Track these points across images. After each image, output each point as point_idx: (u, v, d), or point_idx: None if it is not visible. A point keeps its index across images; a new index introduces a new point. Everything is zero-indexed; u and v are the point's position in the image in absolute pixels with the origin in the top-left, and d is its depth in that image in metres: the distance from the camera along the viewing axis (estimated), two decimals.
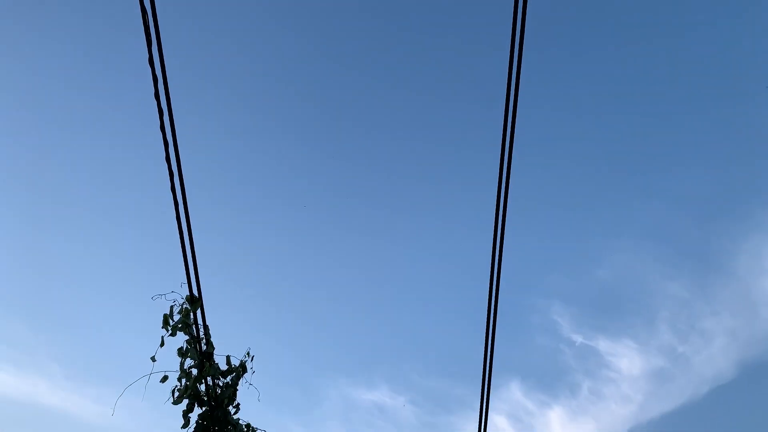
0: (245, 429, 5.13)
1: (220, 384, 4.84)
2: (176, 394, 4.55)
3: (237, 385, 4.83)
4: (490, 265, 4.42)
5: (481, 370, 4.93)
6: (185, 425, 4.64)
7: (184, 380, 4.52)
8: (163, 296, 4.52)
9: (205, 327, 4.61)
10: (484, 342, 4.81)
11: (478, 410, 5.11)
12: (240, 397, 5.02)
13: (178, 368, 4.48)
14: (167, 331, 4.44)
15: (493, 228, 4.26)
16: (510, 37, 3.53)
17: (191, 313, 4.47)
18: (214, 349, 4.69)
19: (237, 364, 4.92)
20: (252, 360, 4.96)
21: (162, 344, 4.42)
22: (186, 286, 4.38)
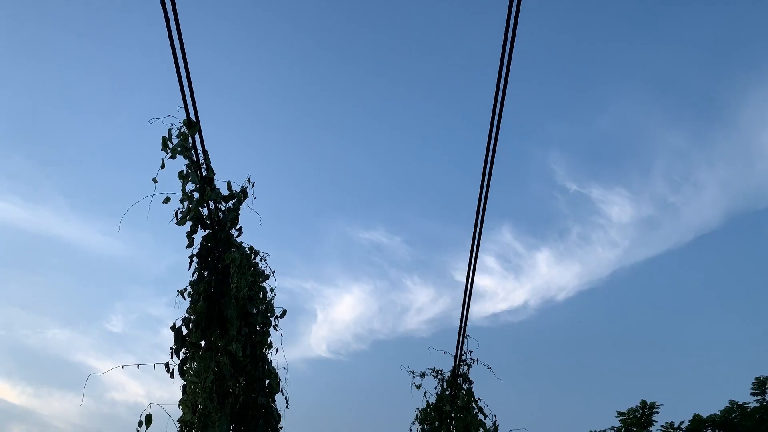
0: (248, 251, 5.36)
1: (222, 208, 4.96)
2: (179, 216, 4.68)
3: (238, 209, 4.95)
4: (491, 111, 4.33)
5: (475, 213, 5.05)
6: (189, 245, 4.83)
7: (186, 203, 4.62)
8: (160, 120, 4.46)
9: (204, 152, 4.61)
10: (479, 186, 4.87)
11: (469, 250, 5.32)
12: (242, 222, 5.18)
13: (180, 191, 4.55)
14: (167, 153, 4.44)
15: (496, 73, 4.10)
16: None
17: (189, 138, 4.43)
18: (214, 174, 4.74)
19: (238, 191, 5.01)
20: (252, 186, 5.04)
21: (162, 166, 4.45)
22: (183, 110, 4.30)
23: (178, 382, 4.83)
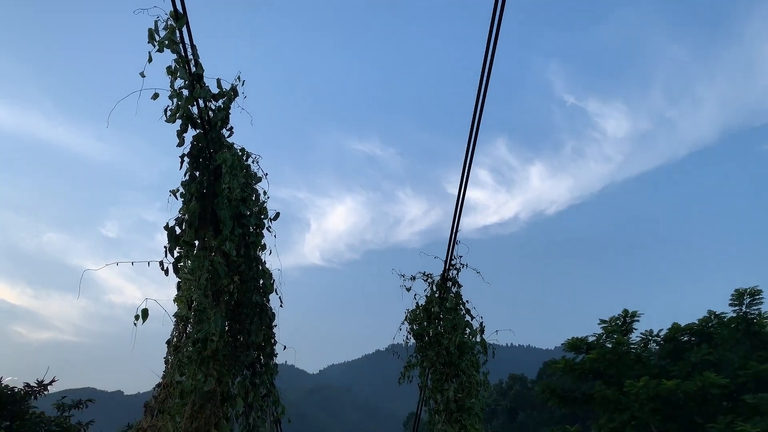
0: (239, 152, 5.31)
1: (212, 107, 4.85)
2: (168, 114, 4.58)
3: (229, 108, 4.84)
4: (489, 18, 4.15)
5: (470, 124, 4.95)
6: (180, 144, 4.77)
7: (175, 100, 4.51)
8: (146, 11, 4.26)
9: (193, 47, 4.44)
10: (475, 97, 4.74)
11: (463, 162, 5.26)
12: (233, 123, 5.09)
13: (168, 87, 4.43)
14: (153, 47, 4.27)
15: None
16: None
17: (177, 31, 4.25)
18: (203, 71, 4.59)
19: (228, 89, 4.88)
20: (243, 84, 4.90)
21: (150, 60, 4.30)
22: (169, 0, 4.10)
23: (174, 285, 4.91)
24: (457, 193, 5.59)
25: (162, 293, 5.12)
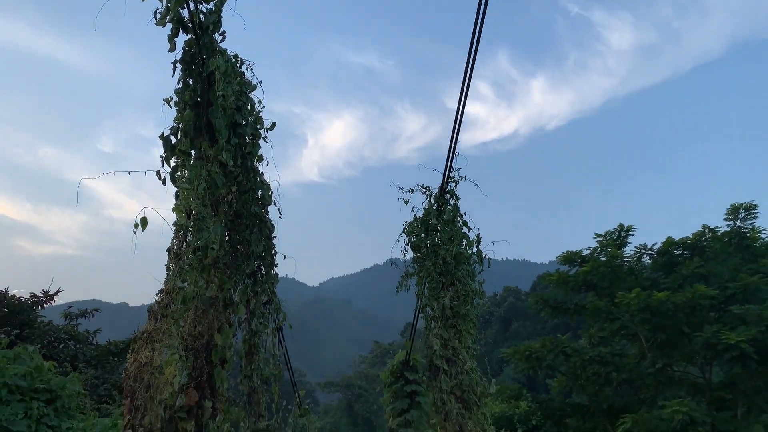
0: (233, 59, 5.15)
1: (204, 10, 4.65)
2: (158, 16, 4.40)
3: (220, 11, 4.64)
4: None
5: (470, 36, 4.74)
6: (171, 49, 4.61)
7: (164, 1, 4.32)
8: None
9: None
10: (476, 6, 4.51)
11: (463, 74, 5.08)
12: (226, 28, 4.89)
13: None
14: None
15: None
16: None
17: None
18: None
19: None
20: None
21: None
22: None
23: (173, 196, 4.89)
24: (456, 106, 5.47)
25: (161, 206, 5.12)
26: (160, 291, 4.20)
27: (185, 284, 4.23)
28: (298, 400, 15.18)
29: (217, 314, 4.59)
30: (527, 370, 20.21)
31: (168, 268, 4.30)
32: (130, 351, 4.00)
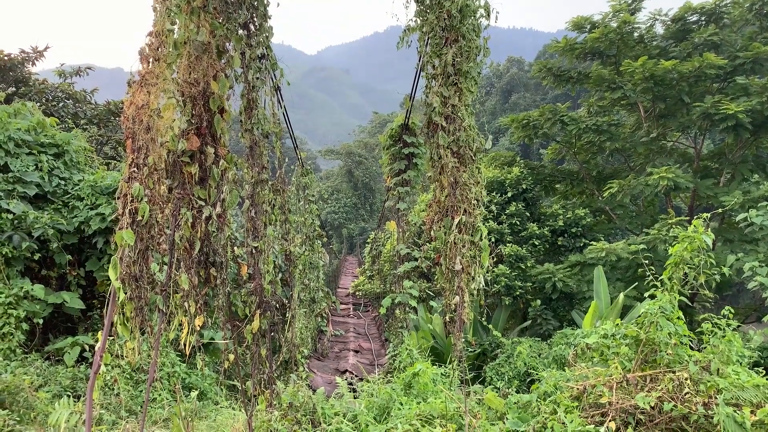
0: None
1: None
2: None
3: None
4: None
5: None
6: None
7: None
8: None
9: None
10: None
11: None
12: None
13: None
14: None
15: None
16: None
17: None
18: None
19: None
20: None
21: None
22: None
23: None
24: None
25: None
26: (149, 33, 3.99)
27: (175, 27, 4.01)
28: (300, 161, 15.71)
29: (211, 62, 4.45)
30: (523, 139, 20.60)
31: (155, 9, 4.03)
32: (126, 94, 3.94)
